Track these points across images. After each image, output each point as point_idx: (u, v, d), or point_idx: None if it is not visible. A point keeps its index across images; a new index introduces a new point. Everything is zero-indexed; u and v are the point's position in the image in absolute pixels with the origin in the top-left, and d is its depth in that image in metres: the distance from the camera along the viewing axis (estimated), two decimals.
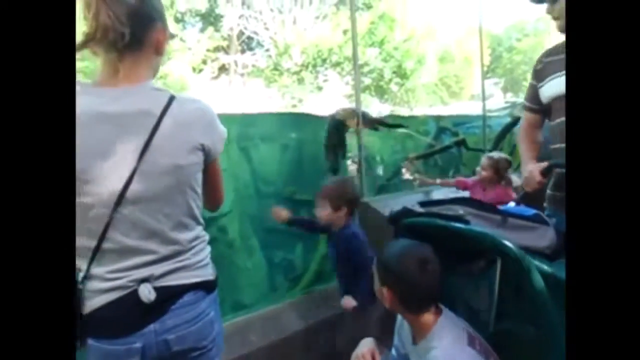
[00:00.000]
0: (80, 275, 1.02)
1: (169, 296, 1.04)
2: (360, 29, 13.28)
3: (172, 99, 1.04)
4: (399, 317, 1.40)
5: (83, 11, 0.98)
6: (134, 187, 0.98)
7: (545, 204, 1.67)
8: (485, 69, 5.37)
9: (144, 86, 1.04)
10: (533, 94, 1.72)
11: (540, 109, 1.71)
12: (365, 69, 14.20)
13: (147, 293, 1.01)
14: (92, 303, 1.01)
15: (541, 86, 1.66)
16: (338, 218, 1.91)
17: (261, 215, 2.82)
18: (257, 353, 2.14)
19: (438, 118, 4.75)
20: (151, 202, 1.01)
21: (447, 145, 4.29)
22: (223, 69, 15.42)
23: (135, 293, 1.01)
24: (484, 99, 4.62)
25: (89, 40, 0.98)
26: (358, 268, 1.85)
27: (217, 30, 15.08)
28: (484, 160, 2.90)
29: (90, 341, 1.02)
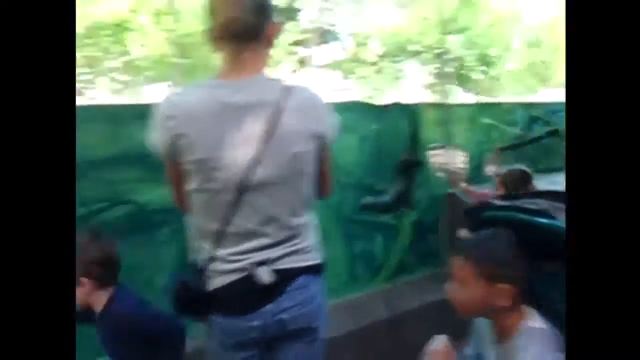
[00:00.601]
0: (205, 256, 1.10)
1: (283, 278, 1.10)
2: (442, 15, 12.84)
3: (287, 88, 1.10)
4: None
5: (210, 5, 1.07)
6: (257, 174, 1.05)
7: None
8: None
9: (262, 77, 1.11)
10: None
11: None
12: (448, 57, 13.72)
13: (266, 275, 1.08)
14: (215, 282, 1.09)
15: None
16: (87, 297, 1.27)
17: (341, 205, 2.84)
18: (341, 339, 2.17)
19: (528, 106, 4.48)
20: (272, 189, 1.07)
21: (539, 136, 4.02)
22: (302, 62, 15.67)
23: (253, 275, 1.08)
24: None
25: (216, 32, 1.07)
26: (148, 342, 1.29)
27: (296, 24, 15.33)
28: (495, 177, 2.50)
29: (214, 317, 1.11)
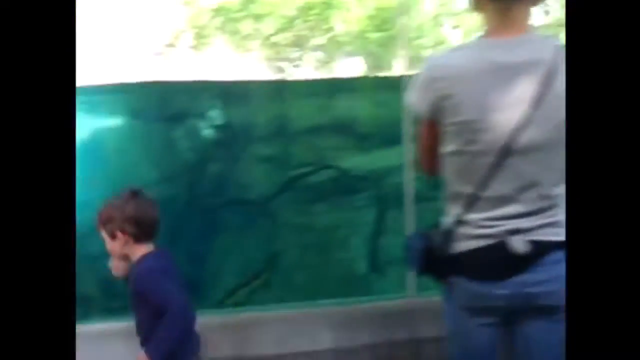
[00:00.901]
0: (454, 219, 1.10)
1: (537, 251, 1.05)
2: None
3: (560, 47, 1.02)
4: None
5: None
6: (525, 137, 1.01)
7: None
8: None
9: (531, 35, 1.05)
10: None
11: None
12: None
13: (520, 245, 1.04)
14: (462, 245, 1.09)
15: None
16: (122, 249, 1.40)
17: None
18: None
19: None
20: (537, 154, 1.02)
21: None
22: None
23: (505, 243, 1.05)
24: None
25: None
26: (155, 311, 1.33)
27: None
28: None
29: (457, 280, 1.11)
